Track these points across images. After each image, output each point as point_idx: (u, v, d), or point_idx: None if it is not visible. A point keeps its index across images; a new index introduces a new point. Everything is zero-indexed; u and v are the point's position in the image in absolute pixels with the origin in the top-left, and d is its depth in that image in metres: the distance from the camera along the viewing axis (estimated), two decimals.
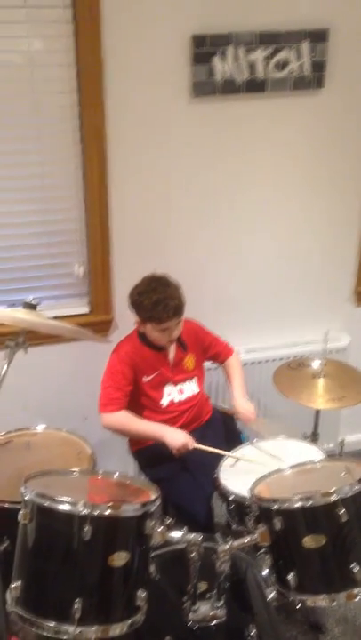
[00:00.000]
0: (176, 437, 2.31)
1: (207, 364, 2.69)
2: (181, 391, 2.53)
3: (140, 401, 2.46)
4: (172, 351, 2.50)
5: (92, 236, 2.66)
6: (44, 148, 2.53)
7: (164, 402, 2.49)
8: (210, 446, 2.32)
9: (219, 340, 2.67)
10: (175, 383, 2.51)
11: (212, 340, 2.64)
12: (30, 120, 2.48)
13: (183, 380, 2.53)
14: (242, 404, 2.52)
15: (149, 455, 2.50)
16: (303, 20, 2.54)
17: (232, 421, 2.64)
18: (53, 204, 2.62)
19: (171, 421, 2.45)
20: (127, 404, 2.40)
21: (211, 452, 2.31)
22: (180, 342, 2.51)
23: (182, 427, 2.43)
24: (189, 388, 2.54)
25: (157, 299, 2.33)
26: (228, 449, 2.37)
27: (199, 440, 2.33)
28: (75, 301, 2.79)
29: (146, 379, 2.45)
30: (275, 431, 2.41)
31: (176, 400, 2.51)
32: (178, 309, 2.36)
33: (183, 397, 2.53)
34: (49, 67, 2.43)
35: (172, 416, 2.48)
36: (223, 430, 2.59)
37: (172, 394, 2.51)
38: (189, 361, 2.54)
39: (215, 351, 2.65)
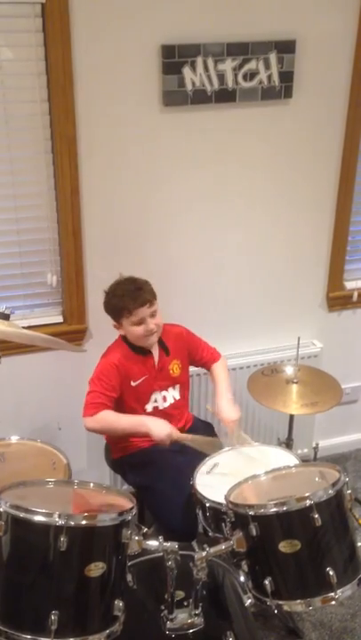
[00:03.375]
0: (160, 429, 2.32)
1: (194, 370, 2.70)
2: (165, 398, 2.53)
3: (125, 407, 2.45)
4: (156, 356, 2.51)
5: (64, 245, 2.65)
6: (14, 156, 2.52)
7: (149, 407, 2.50)
8: (190, 446, 2.35)
9: (206, 345, 2.67)
10: (160, 389, 2.51)
11: (198, 344, 2.64)
12: (0, 128, 2.46)
13: (167, 387, 2.53)
14: (225, 411, 2.49)
15: (130, 463, 2.50)
16: (270, 31, 2.58)
17: (212, 430, 2.65)
18: (25, 212, 2.61)
19: None
20: (111, 409, 2.39)
21: (191, 446, 2.34)
22: (162, 346, 2.52)
23: None
24: (171, 395, 2.55)
25: (124, 291, 2.40)
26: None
27: (180, 448, 2.35)
28: (48, 310, 2.77)
29: (134, 383, 2.45)
30: (248, 444, 2.42)
31: (160, 407, 2.52)
32: (146, 297, 2.38)
33: (166, 404, 2.53)
34: (19, 76, 2.43)
35: None
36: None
37: (157, 400, 2.51)
38: (175, 366, 2.54)
39: (201, 356, 2.65)
